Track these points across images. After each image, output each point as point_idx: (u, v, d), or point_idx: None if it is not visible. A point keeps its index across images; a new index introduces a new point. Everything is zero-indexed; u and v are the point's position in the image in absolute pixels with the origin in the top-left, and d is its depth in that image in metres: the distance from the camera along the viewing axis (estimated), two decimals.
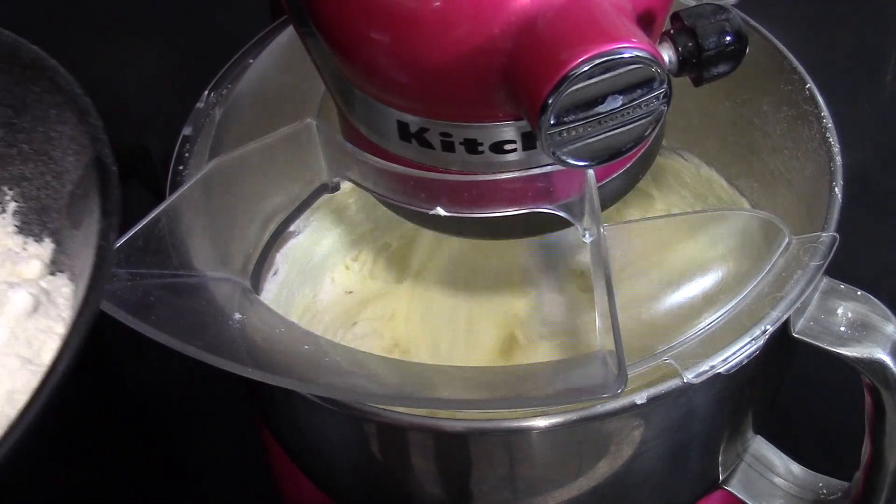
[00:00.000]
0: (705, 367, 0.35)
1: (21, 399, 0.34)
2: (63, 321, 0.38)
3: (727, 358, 0.35)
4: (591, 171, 0.34)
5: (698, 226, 0.40)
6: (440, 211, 0.36)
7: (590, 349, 0.34)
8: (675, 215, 0.46)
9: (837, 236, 0.38)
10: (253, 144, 0.39)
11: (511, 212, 0.36)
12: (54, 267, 0.42)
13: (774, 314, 0.36)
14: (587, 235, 0.36)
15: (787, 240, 0.38)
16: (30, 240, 0.43)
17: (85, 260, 0.36)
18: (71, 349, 0.31)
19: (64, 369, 0.30)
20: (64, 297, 0.40)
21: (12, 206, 0.44)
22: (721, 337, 0.36)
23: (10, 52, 0.41)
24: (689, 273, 0.38)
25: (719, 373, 0.35)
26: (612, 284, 0.33)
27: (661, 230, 0.40)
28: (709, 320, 0.36)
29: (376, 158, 0.36)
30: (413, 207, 0.37)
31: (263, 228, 0.40)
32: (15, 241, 0.43)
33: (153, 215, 0.36)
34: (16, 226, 0.44)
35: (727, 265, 0.38)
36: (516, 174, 0.34)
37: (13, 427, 0.30)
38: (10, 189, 0.44)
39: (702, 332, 0.36)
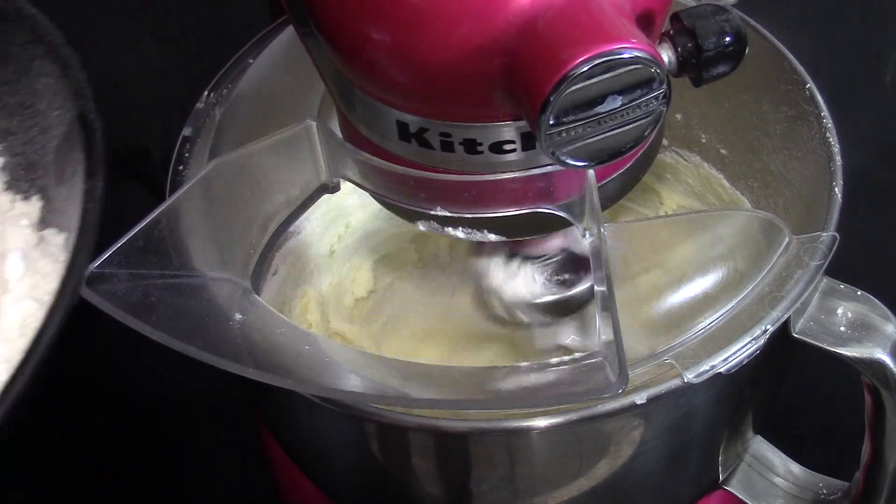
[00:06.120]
0: (705, 367, 0.35)
1: (32, 326, 0.35)
2: (59, 263, 0.38)
3: (727, 358, 0.35)
4: (591, 171, 0.34)
5: (698, 226, 0.40)
6: (440, 211, 0.36)
7: (588, 350, 0.34)
8: (675, 215, 0.46)
9: (837, 236, 0.38)
10: (253, 145, 0.39)
11: (511, 212, 0.36)
12: (43, 225, 0.41)
13: (774, 314, 0.36)
14: (587, 235, 0.36)
15: (787, 239, 0.38)
16: (18, 197, 0.42)
17: (72, 217, 0.36)
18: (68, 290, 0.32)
19: (65, 305, 0.32)
20: (56, 245, 0.39)
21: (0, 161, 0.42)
22: (721, 337, 0.36)
23: None
24: (690, 273, 0.38)
25: (719, 372, 0.35)
26: (612, 284, 0.33)
27: (661, 230, 0.40)
28: (709, 320, 0.36)
29: (376, 158, 0.36)
30: (413, 207, 0.37)
31: (264, 229, 0.40)
32: (3, 199, 0.42)
33: (153, 216, 0.36)
34: (4, 182, 0.42)
35: (728, 265, 0.38)
36: (516, 174, 0.34)
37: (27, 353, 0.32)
38: None
39: (702, 332, 0.36)
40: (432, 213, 0.36)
